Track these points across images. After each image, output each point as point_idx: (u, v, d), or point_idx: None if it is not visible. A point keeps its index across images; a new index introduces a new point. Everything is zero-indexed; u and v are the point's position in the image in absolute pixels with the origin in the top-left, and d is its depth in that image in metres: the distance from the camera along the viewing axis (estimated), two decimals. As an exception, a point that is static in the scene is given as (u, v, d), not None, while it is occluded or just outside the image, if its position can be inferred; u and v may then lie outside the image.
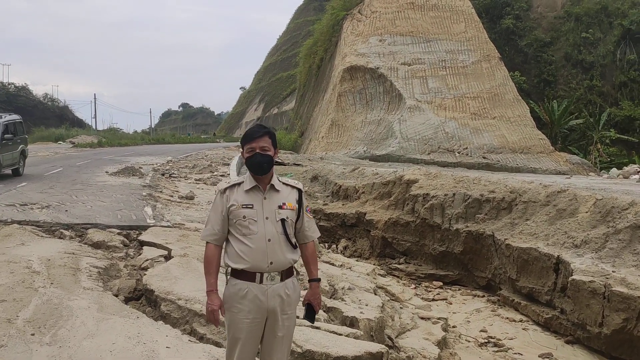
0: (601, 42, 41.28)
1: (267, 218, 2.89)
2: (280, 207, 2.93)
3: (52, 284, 5.02)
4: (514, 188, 8.93)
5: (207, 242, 2.98)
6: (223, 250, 2.98)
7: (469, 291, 8.88)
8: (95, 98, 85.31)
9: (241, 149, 3.02)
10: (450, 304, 8.15)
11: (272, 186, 2.96)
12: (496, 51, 34.23)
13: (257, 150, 2.89)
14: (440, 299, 8.28)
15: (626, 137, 35.55)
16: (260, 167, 2.90)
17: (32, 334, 3.87)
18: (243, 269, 2.86)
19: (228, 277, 2.94)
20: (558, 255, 6.99)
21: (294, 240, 2.98)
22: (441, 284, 9.33)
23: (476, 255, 9.09)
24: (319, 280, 3.14)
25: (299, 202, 3.03)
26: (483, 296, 8.53)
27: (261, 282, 2.86)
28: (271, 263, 2.86)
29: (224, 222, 2.93)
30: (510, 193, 8.85)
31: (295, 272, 3.07)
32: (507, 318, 7.35)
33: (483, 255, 8.91)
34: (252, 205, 2.90)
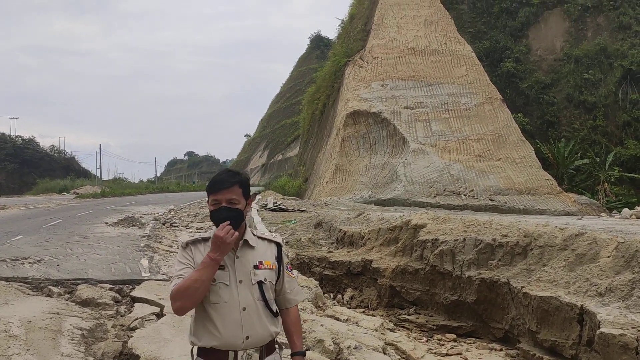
0: (602, 83, 41.40)
1: (240, 282, 2.36)
2: (256, 267, 2.40)
3: (27, 350, 4.56)
4: (528, 232, 8.45)
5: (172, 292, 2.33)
6: (190, 325, 2.43)
7: (485, 344, 8.27)
8: (100, 149, 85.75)
9: (207, 198, 2.48)
10: (466, 359, 7.56)
11: (246, 242, 2.44)
12: (498, 93, 34.30)
13: (223, 204, 2.37)
14: (455, 354, 7.69)
15: (634, 175, 35.12)
16: (218, 224, 2.37)
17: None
18: (212, 346, 2.31)
19: (194, 358, 2.39)
20: (581, 305, 6.46)
21: (275, 306, 2.46)
22: (455, 336, 8.73)
23: (491, 305, 8.52)
24: (304, 353, 2.56)
25: (279, 259, 2.51)
26: (501, 350, 7.93)
27: None
28: (247, 338, 2.32)
29: None
30: (524, 237, 8.36)
31: (278, 347, 2.52)
32: (529, 375, 6.76)
33: (499, 305, 8.35)
34: (224, 266, 2.35)
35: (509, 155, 30.71)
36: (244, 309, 2.33)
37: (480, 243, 9.03)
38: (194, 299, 2.28)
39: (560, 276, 7.23)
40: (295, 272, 2.63)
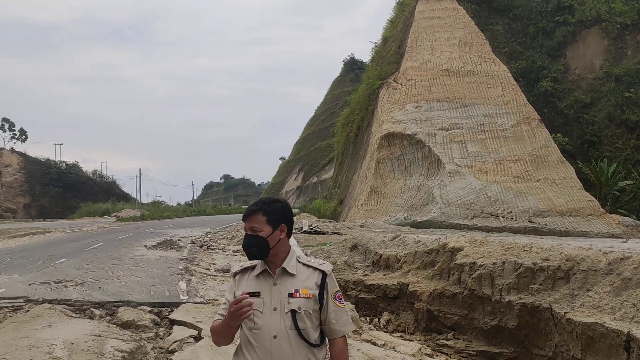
0: (645, 101, 40.28)
1: (274, 309, 2.38)
2: (291, 296, 2.40)
3: (70, 372, 4.67)
4: (570, 255, 8.22)
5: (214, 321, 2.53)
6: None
7: (527, 371, 8.02)
8: (140, 173, 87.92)
9: None
10: (508, 386, 7.33)
11: (284, 269, 2.45)
12: (536, 113, 33.77)
13: (248, 232, 2.46)
14: (496, 381, 7.48)
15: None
16: (248, 251, 2.46)
17: None
18: None
19: None
20: (628, 332, 6.21)
21: (314, 336, 2.42)
22: (495, 362, 8.50)
23: (533, 331, 8.28)
24: None
25: (322, 286, 2.45)
26: (544, 377, 7.67)
27: None
28: None
29: None
30: (566, 261, 8.13)
31: None
32: (575, 404, 6.51)
33: (541, 331, 8.10)
34: (259, 293, 2.41)
35: (549, 176, 30.06)
36: (275, 336, 2.35)
37: (520, 267, 8.82)
38: (220, 343, 2.49)
39: (605, 302, 6.99)
40: (344, 302, 2.59)
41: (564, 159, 31.37)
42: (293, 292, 2.42)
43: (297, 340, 2.37)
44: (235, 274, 2.55)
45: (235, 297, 2.41)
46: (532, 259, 8.80)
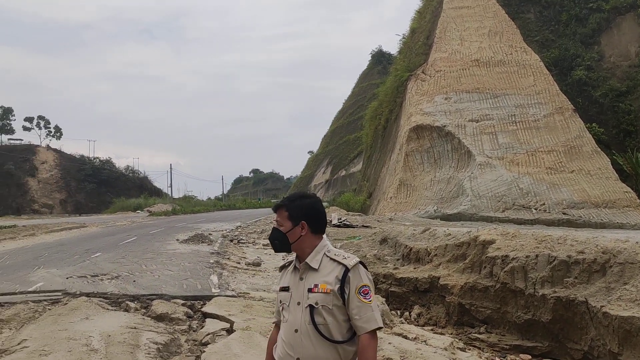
0: (683, 88, 38.92)
1: (298, 304, 2.41)
2: (310, 290, 2.38)
3: (108, 363, 4.78)
4: (606, 248, 8.02)
5: (273, 323, 2.77)
6: None
7: (562, 366, 7.88)
8: (171, 168, 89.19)
9: None
10: (542, 381, 7.22)
11: (307, 264, 2.45)
12: (569, 103, 33.00)
13: (274, 225, 2.57)
14: (530, 376, 7.37)
15: None
16: (272, 244, 2.61)
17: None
18: None
19: None
20: (668, 326, 6.05)
21: (339, 331, 2.36)
22: (529, 357, 8.36)
23: (568, 325, 8.12)
24: None
25: (342, 281, 2.36)
26: (579, 372, 7.53)
27: None
28: (298, 359, 2.37)
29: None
30: (602, 254, 7.94)
31: None
32: (612, 400, 6.37)
33: (576, 325, 7.94)
34: (289, 287, 2.50)
35: (583, 167, 29.38)
36: (296, 330, 2.38)
37: (554, 260, 8.66)
38: None
39: (643, 295, 6.81)
40: (372, 297, 2.42)
41: (599, 150, 30.59)
42: (312, 287, 2.39)
43: (315, 335, 2.34)
44: (280, 268, 2.69)
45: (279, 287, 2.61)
46: (566, 251, 8.63)
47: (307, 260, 2.45)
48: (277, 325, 2.62)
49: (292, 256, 2.60)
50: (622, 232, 16.14)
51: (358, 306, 2.37)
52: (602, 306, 7.20)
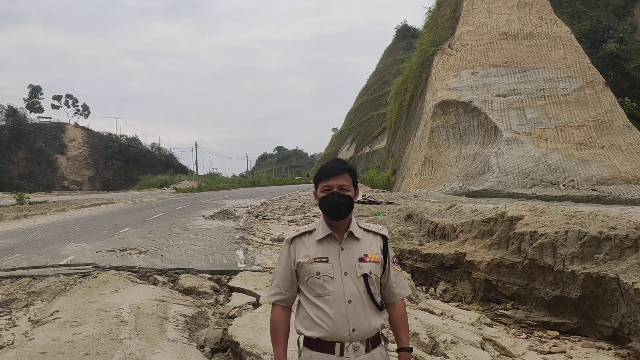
0: None
1: (345, 274, 2.35)
2: (361, 260, 2.37)
3: (137, 335, 4.86)
4: (639, 224, 7.83)
5: (272, 304, 2.48)
6: (294, 314, 2.47)
7: (591, 342, 7.77)
8: (196, 145, 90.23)
9: (314, 188, 2.50)
10: (571, 358, 7.13)
11: (351, 234, 2.41)
12: (601, 76, 32.08)
13: (335, 190, 2.37)
14: (558, 352, 7.28)
15: None
16: (337, 211, 2.37)
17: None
18: (319, 337, 2.32)
19: (300, 347, 2.42)
20: None
21: (379, 299, 2.42)
22: (557, 333, 8.27)
23: (598, 301, 7.98)
24: (410, 349, 2.53)
25: (384, 252, 2.46)
26: (609, 349, 7.41)
27: (342, 354, 2.31)
28: (353, 330, 2.31)
29: (293, 279, 2.43)
30: (635, 229, 7.74)
31: (384, 340, 2.48)
32: (643, 377, 6.27)
33: (606, 301, 7.80)
34: (327, 258, 2.36)
35: (614, 142, 28.66)
36: (350, 301, 2.32)
37: (584, 236, 8.48)
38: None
39: (678, 272, 6.64)
40: (399, 266, 2.59)
41: (631, 124, 29.78)
42: (363, 256, 2.39)
43: (370, 304, 2.36)
44: (294, 239, 2.46)
45: (294, 263, 2.39)
46: (597, 227, 8.44)
47: (351, 229, 2.42)
48: (282, 307, 2.46)
49: (306, 227, 2.49)
50: (654, 209, 15.74)
51: (395, 275, 2.52)
52: (634, 282, 7.05)
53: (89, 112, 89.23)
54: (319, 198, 2.43)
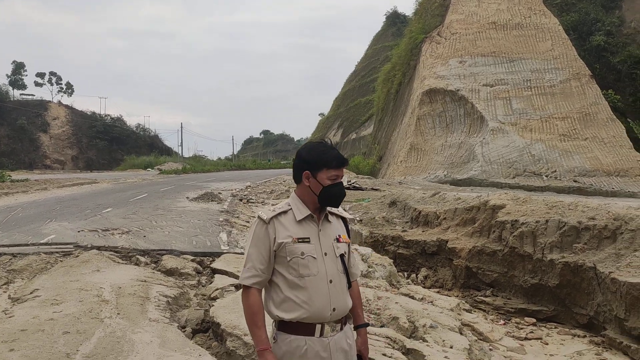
0: None
1: (325, 254, 2.36)
2: (337, 240, 2.43)
3: (118, 314, 4.86)
4: (618, 215, 7.97)
5: (246, 287, 2.35)
6: (270, 299, 2.41)
7: (567, 330, 7.94)
8: (181, 127, 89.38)
9: (309, 170, 2.39)
10: (546, 344, 7.28)
11: (326, 216, 2.45)
12: (587, 69, 32.31)
13: (340, 180, 2.41)
14: (534, 339, 7.43)
15: None
16: (336, 199, 2.40)
17: (91, 370, 3.66)
18: (300, 320, 2.30)
19: (275, 332, 2.37)
20: (677, 293, 6.04)
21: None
22: (534, 320, 8.44)
23: (575, 290, 8.15)
24: (367, 325, 2.68)
25: (347, 233, 2.54)
26: (584, 336, 7.57)
27: (322, 334, 2.31)
28: (334, 310, 2.33)
29: (271, 260, 2.34)
30: (614, 220, 7.89)
31: (347, 317, 2.51)
32: (616, 364, 6.43)
33: (583, 290, 7.97)
34: (309, 238, 2.35)
35: (597, 135, 28.98)
36: (331, 281, 2.35)
37: (564, 225, 8.63)
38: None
39: (653, 262, 6.79)
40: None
41: (614, 117, 30.09)
42: (338, 237, 2.45)
43: (345, 284, 2.43)
44: (271, 219, 2.37)
45: (274, 244, 2.33)
46: (577, 217, 8.58)
47: (327, 211, 2.47)
48: (258, 289, 2.34)
49: (281, 207, 2.43)
50: (633, 201, 16.01)
51: (352, 256, 2.60)
52: (611, 272, 7.20)
53: (72, 91, 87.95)
54: (323, 185, 2.38)
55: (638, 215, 7.67)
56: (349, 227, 2.59)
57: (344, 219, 2.57)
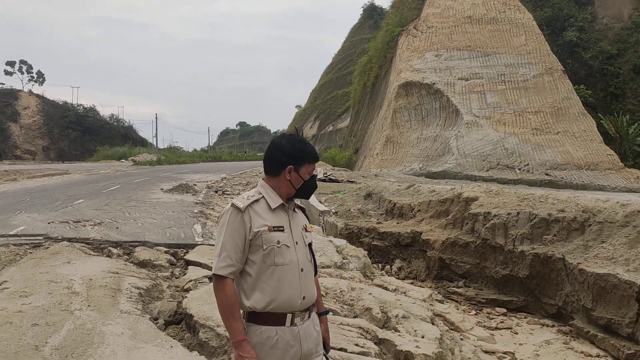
0: (674, 53, 38.81)
1: (297, 243, 2.39)
2: (305, 229, 2.48)
3: (89, 306, 4.80)
4: (586, 207, 8.15)
5: (220, 277, 2.28)
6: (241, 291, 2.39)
7: (536, 319, 8.12)
8: (156, 118, 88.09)
9: (292, 164, 2.40)
10: (516, 334, 7.44)
11: (295, 205, 2.53)
12: (559, 64, 32.84)
13: (313, 174, 2.50)
14: (505, 328, 7.58)
15: None
16: (309, 192, 2.53)
17: (60, 363, 3.61)
18: (270, 310, 2.29)
19: (244, 324, 2.33)
20: (641, 283, 6.22)
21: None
22: (505, 310, 8.61)
23: (544, 280, 8.33)
24: (328, 312, 2.78)
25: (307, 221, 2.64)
26: (553, 326, 7.76)
27: (292, 323, 2.33)
28: (304, 298, 2.36)
29: (245, 249, 2.30)
30: (582, 212, 8.07)
31: (312, 306, 2.55)
32: (583, 352, 6.59)
33: (552, 281, 8.15)
34: (283, 227, 2.37)
35: (569, 129, 29.53)
36: (302, 269, 2.38)
37: (535, 217, 8.80)
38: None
39: (619, 253, 6.98)
40: None
41: (586, 112, 30.69)
42: (305, 226, 2.51)
43: (312, 272, 2.49)
44: (246, 207, 2.33)
45: (251, 232, 2.30)
46: (547, 210, 8.76)
47: (296, 200, 2.52)
48: (232, 280, 2.30)
49: (254, 196, 2.40)
50: (602, 194, 16.38)
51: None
52: (579, 263, 7.37)
53: (44, 80, 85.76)
54: (304, 179, 2.45)
55: (605, 208, 7.85)
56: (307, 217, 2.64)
57: (302, 209, 2.62)
